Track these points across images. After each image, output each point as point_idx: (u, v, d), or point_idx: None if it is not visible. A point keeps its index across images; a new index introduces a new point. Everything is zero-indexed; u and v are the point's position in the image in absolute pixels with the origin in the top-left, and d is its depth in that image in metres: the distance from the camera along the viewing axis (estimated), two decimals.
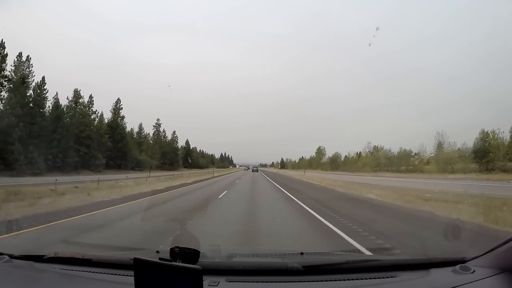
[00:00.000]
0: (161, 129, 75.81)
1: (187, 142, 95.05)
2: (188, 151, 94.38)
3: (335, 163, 76.14)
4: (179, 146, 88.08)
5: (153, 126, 74.15)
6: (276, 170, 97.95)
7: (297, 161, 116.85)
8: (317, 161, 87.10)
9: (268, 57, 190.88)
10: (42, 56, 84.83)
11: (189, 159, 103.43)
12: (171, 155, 74.22)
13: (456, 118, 71.51)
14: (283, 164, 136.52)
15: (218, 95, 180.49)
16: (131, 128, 68.53)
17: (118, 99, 59.47)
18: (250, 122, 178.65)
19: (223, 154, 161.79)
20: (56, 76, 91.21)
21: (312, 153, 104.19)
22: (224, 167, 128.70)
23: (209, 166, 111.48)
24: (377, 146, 63.31)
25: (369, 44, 79.33)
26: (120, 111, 59.52)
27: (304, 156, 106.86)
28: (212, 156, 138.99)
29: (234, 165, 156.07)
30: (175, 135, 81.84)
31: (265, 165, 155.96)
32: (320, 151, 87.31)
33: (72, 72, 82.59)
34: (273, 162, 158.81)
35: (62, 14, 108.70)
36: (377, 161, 58.87)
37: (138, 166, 56.06)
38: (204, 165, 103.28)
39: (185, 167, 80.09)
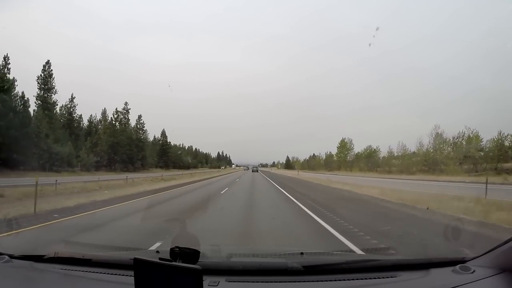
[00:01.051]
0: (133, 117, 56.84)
1: (163, 134, 72.23)
2: (164, 145, 71.48)
3: (372, 161, 53.68)
4: (149, 138, 68.03)
5: (119, 111, 53.78)
6: (292, 172, 60.78)
7: (306, 160, 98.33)
8: (342, 159, 63.33)
9: (269, 57, 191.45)
10: (40, 55, 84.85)
11: (192, 158, 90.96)
12: (129, 149, 50.87)
13: (456, 117, 71.09)
14: (288, 164, 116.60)
15: (219, 95, 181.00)
16: (91, 115, 54.89)
17: (47, 62, 40.05)
18: (250, 122, 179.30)
19: (221, 153, 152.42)
20: (57, 76, 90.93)
21: (316, 152, 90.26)
22: (218, 167, 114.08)
23: (199, 166, 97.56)
24: (441, 133, 40.04)
25: (369, 44, 79.34)
26: (52, 80, 38.47)
27: (319, 154, 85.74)
28: (206, 155, 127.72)
29: (231, 165, 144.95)
30: (140, 121, 58.00)
31: (265, 165, 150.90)
32: (344, 145, 63.89)
33: (73, 72, 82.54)
34: (273, 162, 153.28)
35: (62, 14, 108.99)
36: (469, 156, 34.21)
37: (53, 163, 35.12)
38: (192, 165, 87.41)
39: (160, 166, 63.41)
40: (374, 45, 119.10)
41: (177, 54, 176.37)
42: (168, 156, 72.49)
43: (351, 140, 65.28)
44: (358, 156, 61.34)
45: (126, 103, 56.15)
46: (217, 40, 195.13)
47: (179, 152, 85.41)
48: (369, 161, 55.00)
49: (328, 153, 78.59)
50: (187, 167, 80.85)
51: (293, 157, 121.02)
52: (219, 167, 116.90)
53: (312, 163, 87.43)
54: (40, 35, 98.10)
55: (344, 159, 63.62)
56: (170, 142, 76.60)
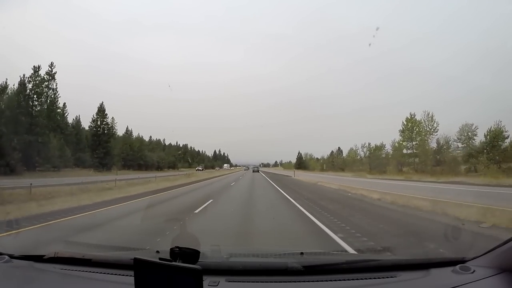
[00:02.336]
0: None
1: (100, 112, 45.31)
2: (99, 131, 44.85)
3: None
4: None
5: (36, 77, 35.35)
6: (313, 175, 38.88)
7: (330, 157, 66.41)
8: (420, 152, 35.60)
9: (269, 56, 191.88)
10: (39, 56, 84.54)
11: (174, 156, 72.65)
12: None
13: (457, 117, 70.23)
14: (301, 162, 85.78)
15: (219, 95, 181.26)
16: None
17: None
18: (250, 122, 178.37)
19: (217, 152, 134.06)
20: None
21: (319, 151, 70.03)
22: (212, 167, 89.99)
23: (182, 167, 75.84)
24: None
25: (369, 44, 78.89)
26: None
27: (354, 146, 55.08)
28: (199, 153, 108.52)
29: (223, 165, 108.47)
30: (44, 83, 35.86)
31: (267, 165, 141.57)
32: (416, 125, 36.42)
33: (72, 73, 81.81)
34: (276, 161, 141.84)
35: (60, 14, 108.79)
36: None
37: None
38: (165, 165, 66.89)
39: (94, 166, 41.74)
40: (374, 44, 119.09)
41: (177, 54, 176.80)
42: (107, 149, 44.69)
43: (432, 115, 35.06)
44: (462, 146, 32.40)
45: (51, 64, 34.79)
46: (218, 40, 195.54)
47: (138, 145, 57.96)
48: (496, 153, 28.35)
49: (368, 144, 49.99)
50: (156, 167, 59.84)
51: (306, 154, 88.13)
52: (212, 167, 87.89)
53: (338, 162, 59.15)
54: (38, 35, 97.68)
55: (423, 150, 34.88)
56: (111, 126, 48.24)
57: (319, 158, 78.07)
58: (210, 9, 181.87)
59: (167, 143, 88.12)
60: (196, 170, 69.05)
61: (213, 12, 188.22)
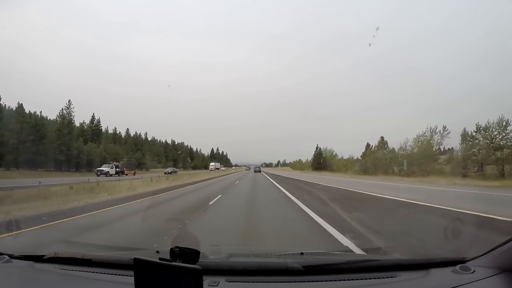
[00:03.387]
0: None
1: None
2: None
3: None
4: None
5: None
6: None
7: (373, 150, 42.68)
8: None
9: (270, 56, 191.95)
10: (38, 56, 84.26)
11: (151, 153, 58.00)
12: None
13: (458, 117, 70.08)
14: (319, 160, 61.07)
15: (221, 95, 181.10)
16: None
17: None
18: (252, 122, 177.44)
19: (215, 151, 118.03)
20: (55, 77, 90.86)
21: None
22: (205, 168, 70.99)
23: (155, 166, 55.90)
24: None
25: (369, 44, 79.14)
26: None
27: (425, 136, 32.14)
28: (191, 150, 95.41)
29: (209, 166, 78.14)
30: None
31: (269, 165, 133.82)
32: None
33: (72, 73, 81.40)
34: (279, 161, 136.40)
35: (60, 15, 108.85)
36: None
37: None
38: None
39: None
40: (375, 44, 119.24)
41: (178, 54, 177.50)
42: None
43: None
44: None
45: None
46: (219, 40, 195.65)
47: (55, 130, 36.24)
48: None
49: (442, 129, 31.13)
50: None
51: (325, 149, 61.74)
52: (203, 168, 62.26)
53: (384, 158, 38.07)
54: (38, 35, 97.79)
55: None
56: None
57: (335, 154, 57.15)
58: (212, 10, 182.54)
59: (163, 143, 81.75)
60: (97, 173, 31.14)
61: (215, 13, 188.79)
